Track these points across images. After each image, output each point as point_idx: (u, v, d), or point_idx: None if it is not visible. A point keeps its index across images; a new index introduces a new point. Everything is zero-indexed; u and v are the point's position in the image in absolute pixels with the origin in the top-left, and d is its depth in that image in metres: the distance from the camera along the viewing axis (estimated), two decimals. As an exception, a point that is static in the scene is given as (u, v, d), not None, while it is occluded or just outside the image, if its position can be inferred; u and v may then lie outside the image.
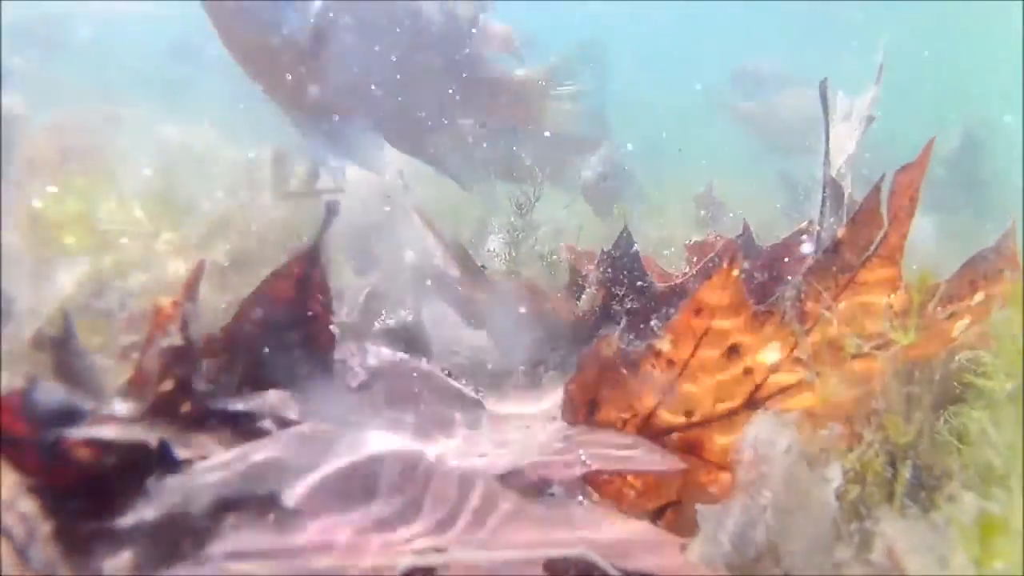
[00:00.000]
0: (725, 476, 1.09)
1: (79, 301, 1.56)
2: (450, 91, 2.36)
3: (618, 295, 1.40)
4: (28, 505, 0.81)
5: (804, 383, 1.09)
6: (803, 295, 1.10)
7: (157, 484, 0.83)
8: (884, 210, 1.11)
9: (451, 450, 1.01)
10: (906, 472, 0.96)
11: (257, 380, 1.03)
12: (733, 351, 1.09)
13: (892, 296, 1.11)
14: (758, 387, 1.10)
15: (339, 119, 2.15)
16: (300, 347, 1.07)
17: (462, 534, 0.87)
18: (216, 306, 1.43)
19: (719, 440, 1.10)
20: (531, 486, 0.96)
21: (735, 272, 1.04)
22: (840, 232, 1.12)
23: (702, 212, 3.49)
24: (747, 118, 7.27)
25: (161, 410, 0.95)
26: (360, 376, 1.09)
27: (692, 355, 1.08)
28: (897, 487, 0.95)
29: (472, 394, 1.15)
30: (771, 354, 1.09)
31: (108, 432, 0.87)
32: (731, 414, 1.10)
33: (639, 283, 1.40)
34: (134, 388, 0.97)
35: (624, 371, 1.09)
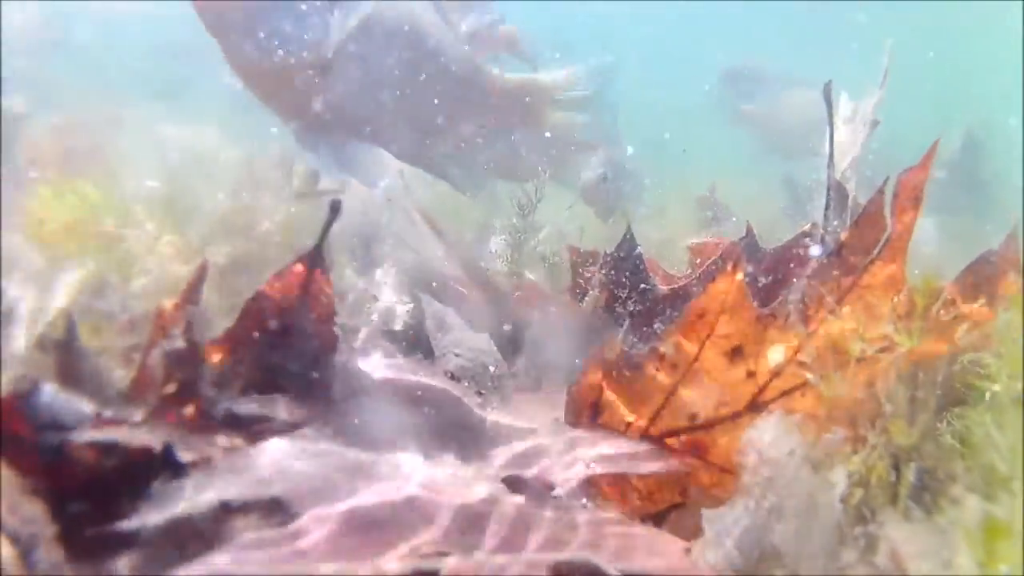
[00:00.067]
0: (729, 479, 1.09)
1: (81, 303, 1.56)
2: (454, 102, 2.34)
3: (621, 297, 1.40)
4: (33, 508, 0.81)
5: (808, 386, 1.09)
6: (807, 298, 1.10)
7: (160, 487, 0.83)
8: (888, 212, 1.11)
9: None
10: (910, 475, 0.95)
11: (260, 382, 1.03)
12: (737, 354, 1.08)
13: (896, 299, 1.11)
14: (762, 390, 1.10)
15: (341, 135, 2.14)
16: (303, 349, 1.06)
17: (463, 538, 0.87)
18: (219, 308, 1.42)
19: (723, 443, 1.10)
20: (535, 490, 0.96)
21: (739, 275, 1.04)
22: (844, 235, 1.12)
23: (705, 214, 3.47)
24: (749, 120, 7.25)
25: (165, 413, 0.94)
26: (363, 380, 1.08)
27: (696, 358, 1.08)
28: (901, 490, 0.95)
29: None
30: (775, 357, 1.09)
31: (111, 435, 0.87)
32: (735, 417, 1.10)
33: (642, 285, 1.39)
34: (137, 391, 0.97)
35: (627, 374, 1.09)
